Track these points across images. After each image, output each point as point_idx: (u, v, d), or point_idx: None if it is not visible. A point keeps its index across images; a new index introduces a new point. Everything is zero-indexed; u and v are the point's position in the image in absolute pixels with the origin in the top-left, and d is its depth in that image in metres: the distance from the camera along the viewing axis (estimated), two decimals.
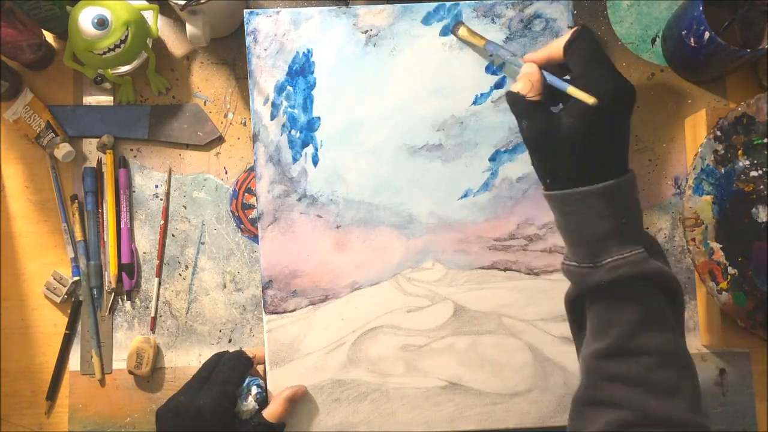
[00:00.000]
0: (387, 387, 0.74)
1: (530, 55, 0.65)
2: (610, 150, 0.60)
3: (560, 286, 0.73)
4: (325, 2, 0.84)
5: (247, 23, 0.75)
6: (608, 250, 0.59)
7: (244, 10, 0.75)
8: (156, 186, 0.82)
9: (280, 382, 0.75)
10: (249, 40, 0.75)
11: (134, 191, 0.82)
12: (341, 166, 0.75)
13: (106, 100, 0.83)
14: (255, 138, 0.75)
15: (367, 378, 0.74)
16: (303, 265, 0.75)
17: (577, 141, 0.60)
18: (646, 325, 0.58)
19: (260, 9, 0.76)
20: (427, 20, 0.74)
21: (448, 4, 0.74)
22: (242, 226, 0.82)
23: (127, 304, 0.81)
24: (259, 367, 0.77)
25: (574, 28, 0.62)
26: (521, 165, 0.74)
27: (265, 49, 0.75)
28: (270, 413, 0.71)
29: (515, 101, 0.63)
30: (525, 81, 0.63)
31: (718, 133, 0.76)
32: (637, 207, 0.61)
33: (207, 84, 0.84)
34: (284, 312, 0.75)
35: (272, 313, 0.75)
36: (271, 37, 0.75)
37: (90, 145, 0.83)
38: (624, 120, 0.61)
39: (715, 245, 0.75)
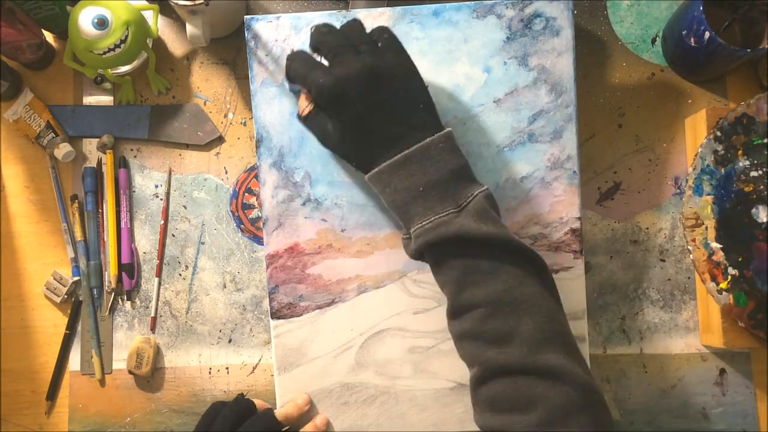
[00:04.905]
0: (395, 389, 0.74)
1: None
2: (385, 128, 0.62)
3: (567, 284, 0.74)
4: (325, 5, 0.84)
5: (247, 29, 0.74)
6: (413, 220, 0.62)
7: (245, 17, 0.74)
8: (156, 186, 0.82)
9: (288, 387, 0.75)
10: (250, 46, 0.74)
11: (134, 191, 0.82)
12: (345, 169, 0.74)
13: (106, 100, 0.83)
14: (258, 144, 0.74)
15: (375, 381, 0.74)
16: (308, 269, 0.75)
17: (345, 135, 0.64)
18: (468, 281, 0.59)
19: (260, 13, 0.76)
20: (427, 22, 0.74)
21: (448, 5, 0.74)
22: (242, 226, 0.82)
23: (127, 304, 0.81)
24: (265, 374, 0.77)
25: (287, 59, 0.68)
26: (525, 164, 0.74)
27: (267, 55, 0.74)
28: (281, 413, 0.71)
29: (300, 122, 0.69)
30: (299, 104, 0.69)
31: (718, 133, 0.76)
32: (444, 168, 0.61)
33: (207, 84, 0.83)
34: (291, 317, 0.75)
35: (279, 318, 0.75)
36: (272, 42, 0.74)
37: (90, 145, 0.83)
38: (379, 98, 0.61)
39: (715, 245, 0.76)
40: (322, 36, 0.65)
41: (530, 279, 0.60)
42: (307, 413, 0.74)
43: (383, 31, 0.65)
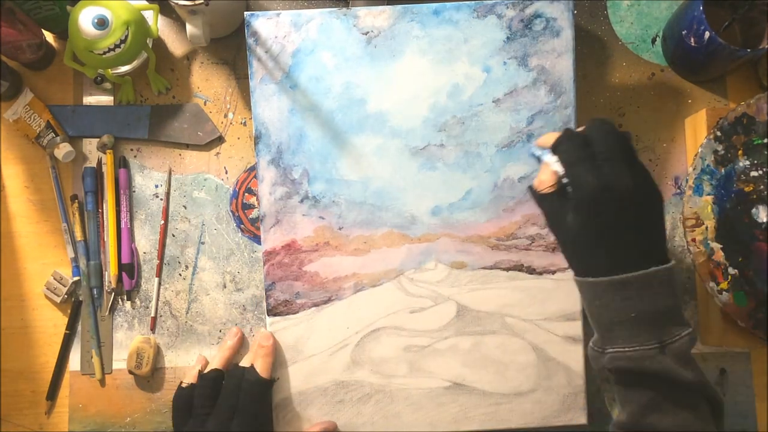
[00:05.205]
0: (391, 388, 0.74)
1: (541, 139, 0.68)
2: (619, 244, 0.60)
3: (563, 285, 0.74)
4: (326, 3, 0.84)
5: (247, 26, 0.75)
6: (613, 340, 0.61)
7: (245, 13, 0.75)
8: (156, 186, 0.82)
9: (284, 384, 0.75)
10: (250, 42, 0.75)
11: (134, 191, 0.82)
12: (343, 167, 0.75)
13: (106, 100, 0.83)
14: (256, 140, 0.75)
15: (370, 379, 0.74)
16: (305, 267, 0.75)
17: (580, 235, 0.61)
18: (657, 407, 0.60)
19: (261, 11, 0.76)
20: (427, 21, 0.74)
21: (448, 4, 0.74)
22: (242, 226, 0.82)
23: (127, 304, 0.81)
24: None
25: (560, 133, 0.64)
26: (522, 165, 0.74)
27: (266, 51, 0.75)
28: (262, 368, 0.73)
29: (531, 194, 0.66)
30: (539, 175, 0.65)
31: (718, 133, 0.76)
32: (660, 301, 0.60)
33: (207, 84, 0.83)
34: (287, 314, 0.75)
35: (275, 315, 0.75)
36: (272, 39, 0.75)
37: (90, 145, 0.83)
38: (628, 216, 0.60)
39: (715, 245, 0.76)
40: (599, 133, 0.63)
41: (714, 422, 0.61)
42: (242, 342, 0.78)
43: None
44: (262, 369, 0.73)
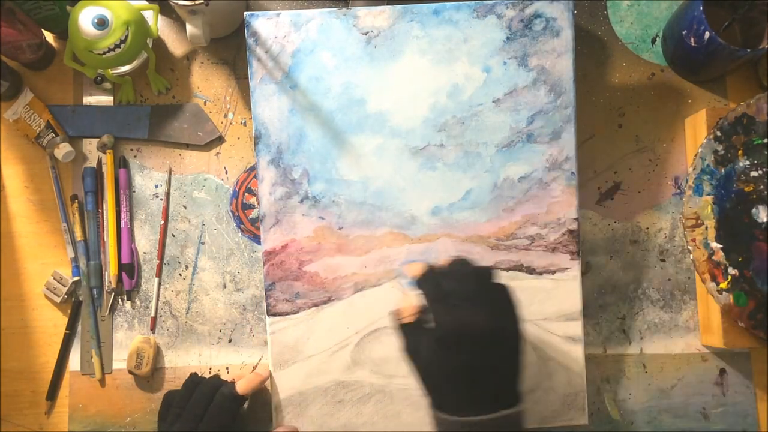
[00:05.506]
0: (391, 388, 0.74)
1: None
2: (473, 384, 0.60)
3: (563, 285, 0.74)
4: (326, 3, 0.84)
5: (247, 26, 0.75)
6: None
7: (245, 13, 0.75)
8: (156, 186, 0.82)
9: (283, 385, 0.75)
10: (250, 42, 0.75)
11: (134, 191, 0.82)
12: (343, 167, 0.75)
13: (106, 100, 0.83)
14: (256, 140, 0.75)
15: (370, 379, 0.74)
16: (305, 267, 0.75)
17: (438, 368, 0.61)
18: None
19: (261, 11, 0.76)
20: (427, 21, 0.74)
21: (448, 4, 0.74)
22: (242, 226, 0.82)
23: (127, 304, 0.81)
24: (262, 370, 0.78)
25: (422, 269, 0.64)
26: (522, 165, 0.74)
27: (266, 51, 0.75)
28: (242, 387, 0.72)
29: (391, 320, 0.66)
30: (404, 304, 0.65)
31: (718, 133, 0.76)
32: None
33: (207, 84, 0.83)
34: (287, 314, 0.75)
35: (275, 315, 0.75)
36: (272, 39, 0.75)
37: (90, 145, 0.83)
38: (484, 357, 0.60)
39: (715, 245, 0.76)
40: (456, 272, 0.64)
41: None
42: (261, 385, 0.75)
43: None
44: (241, 386, 0.72)
